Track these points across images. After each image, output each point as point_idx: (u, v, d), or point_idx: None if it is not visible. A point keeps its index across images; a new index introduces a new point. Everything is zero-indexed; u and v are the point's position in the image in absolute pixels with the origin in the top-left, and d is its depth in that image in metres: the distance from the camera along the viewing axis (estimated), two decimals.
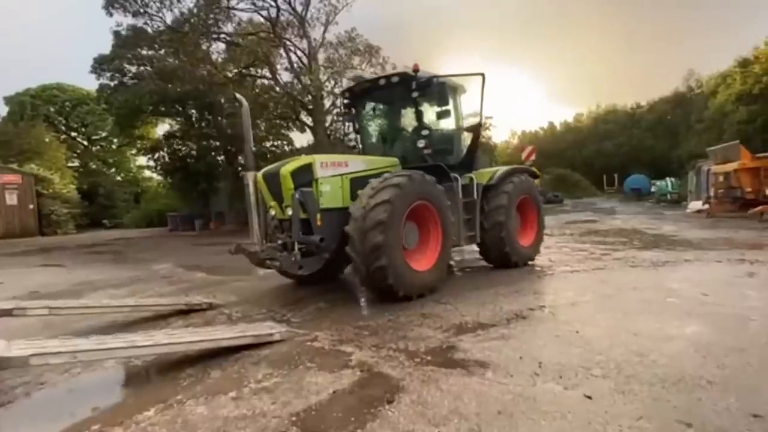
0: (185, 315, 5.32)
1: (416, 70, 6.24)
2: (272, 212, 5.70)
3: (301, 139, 23.04)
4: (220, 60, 16.69)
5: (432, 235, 5.87)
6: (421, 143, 6.35)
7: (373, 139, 7.37)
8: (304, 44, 16.39)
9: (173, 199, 28.15)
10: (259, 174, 5.56)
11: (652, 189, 32.88)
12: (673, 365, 3.11)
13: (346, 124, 19.14)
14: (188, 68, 14.74)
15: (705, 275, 6.09)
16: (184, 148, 23.04)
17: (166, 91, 17.33)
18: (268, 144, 21.49)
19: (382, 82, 6.46)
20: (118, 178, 38.09)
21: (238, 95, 5.64)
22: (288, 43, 16.05)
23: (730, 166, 16.32)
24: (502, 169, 7.38)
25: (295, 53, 16.51)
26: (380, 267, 4.96)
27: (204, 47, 16.01)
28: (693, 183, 24.97)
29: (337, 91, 16.74)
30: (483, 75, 6.66)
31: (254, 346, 3.91)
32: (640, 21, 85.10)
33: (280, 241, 5.45)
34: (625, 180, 39.54)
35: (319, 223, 5.21)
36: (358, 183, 5.65)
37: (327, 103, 17.68)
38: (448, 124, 6.97)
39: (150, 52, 19.68)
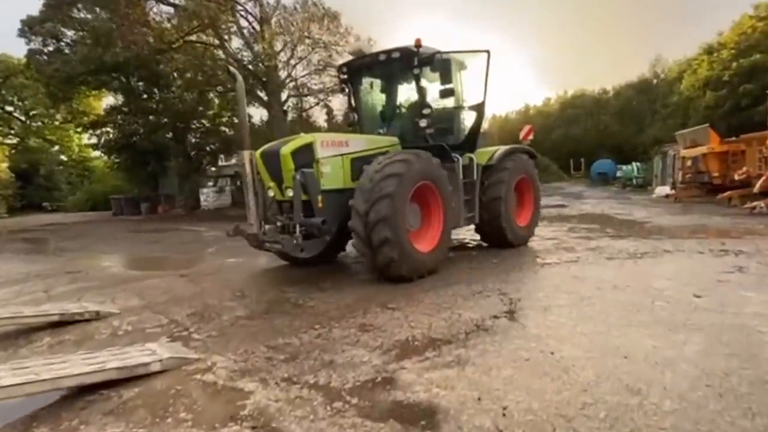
0: (59, 328, 4.14)
1: (418, 45, 5.95)
2: (271, 193, 5.49)
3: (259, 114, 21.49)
4: (169, 25, 14.91)
5: (434, 216, 5.75)
6: (423, 122, 6.12)
7: (371, 117, 7.07)
8: (257, 9, 14.81)
9: (123, 180, 26.07)
10: (257, 153, 5.35)
11: (618, 174, 33.02)
12: (685, 412, 2.25)
13: (303, 99, 18.10)
14: (123, 31, 13.00)
15: (690, 270, 5.37)
16: (130, 125, 21.03)
17: (101, 58, 15.41)
18: (224, 119, 19.79)
19: (383, 57, 6.20)
20: (63, 157, 35.20)
21: (232, 69, 5.74)
22: (238, 6, 14.47)
23: (699, 150, 16.01)
24: (501, 149, 7.16)
25: (246, 18, 14.97)
26: (384, 239, 4.85)
27: (144, 8, 14.18)
28: (659, 168, 24.99)
29: (293, 62, 15.49)
30: (488, 52, 6.36)
31: (123, 380, 2.84)
32: (608, 6, 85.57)
33: (279, 223, 5.32)
34: (591, 165, 39.69)
35: (320, 204, 5.10)
36: (358, 163, 5.53)
37: (283, 74, 16.28)
38: (449, 102, 6.58)
39: (86, 15, 17.52)
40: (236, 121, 20.28)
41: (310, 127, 18.99)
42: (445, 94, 6.04)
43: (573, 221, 10.96)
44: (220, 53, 16.23)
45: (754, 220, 9.69)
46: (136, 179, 22.86)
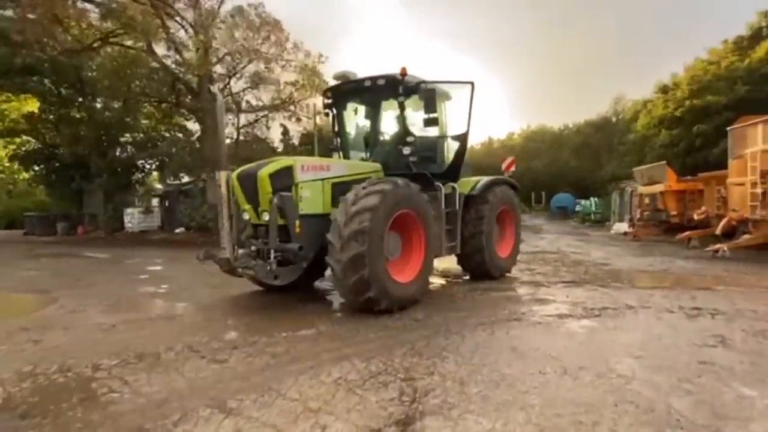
0: None
1: (403, 74, 5.93)
2: (246, 216, 5.30)
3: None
4: (84, 24, 13.15)
5: (415, 245, 5.62)
6: (406, 150, 6.08)
7: (354, 142, 7.05)
8: (193, 15, 13.31)
9: (49, 197, 23.44)
10: (233, 174, 5.20)
11: (577, 208, 33.01)
12: None
13: (239, 115, 16.58)
14: (24, 27, 11.23)
15: (661, 341, 4.11)
16: (51, 135, 18.79)
17: (9, 59, 13.45)
18: (162, 132, 17.87)
19: (368, 83, 6.17)
20: None
21: (212, 87, 6.39)
22: (171, 9, 12.92)
23: (656, 188, 15.50)
24: (484, 180, 7.17)
25: (181, 24, 13.37)
26: (361, 278, 4.70)
27: (57, 4, 12.42)
28: (617, 204, 24.77)
29: (225, 73, 14.05)
30: (472, 84, 6.39)
31: None
32: (571, 47, 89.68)
33: (253, 248, 5.13)
34: (551, 198, 39.76)
35: (297, 230, 4.99)
36: (339, 188, 5.39)
37: (219, 86, 14.73)
38: (433, 131, 6.49)
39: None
40: (172, 136, 18.56)
41: (258, 148, 17.41)
42: (429, 123, 5.93)
43: (525, 261, 9.77)
44: (155, 63, 14.57)
45: (718, 266, 8.79)
46: (58, 196, 20.40)
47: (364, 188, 5.04)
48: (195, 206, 15.16)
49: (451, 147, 6.85)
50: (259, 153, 17.06)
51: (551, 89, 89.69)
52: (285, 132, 34.06)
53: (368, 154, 6.82)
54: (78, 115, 17.59)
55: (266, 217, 4.96)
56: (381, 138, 6.99)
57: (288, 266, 5.06)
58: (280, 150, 23.74)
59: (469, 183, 6.97)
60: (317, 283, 6.84)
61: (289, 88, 15.04)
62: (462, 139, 6.71)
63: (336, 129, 6.97)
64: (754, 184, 9.79)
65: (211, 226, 14.89)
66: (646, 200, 16.50)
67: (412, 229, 5.54)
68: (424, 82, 6.11)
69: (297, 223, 4.98)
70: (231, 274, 5.40)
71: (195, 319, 5.07)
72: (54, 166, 19.09)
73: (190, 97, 14.52)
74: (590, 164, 46.62)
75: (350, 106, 6.95)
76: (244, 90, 15.24)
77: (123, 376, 3.37)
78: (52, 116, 17.84)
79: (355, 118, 7.11)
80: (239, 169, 5.41)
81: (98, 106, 16.81)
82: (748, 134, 10.60)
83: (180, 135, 17.79)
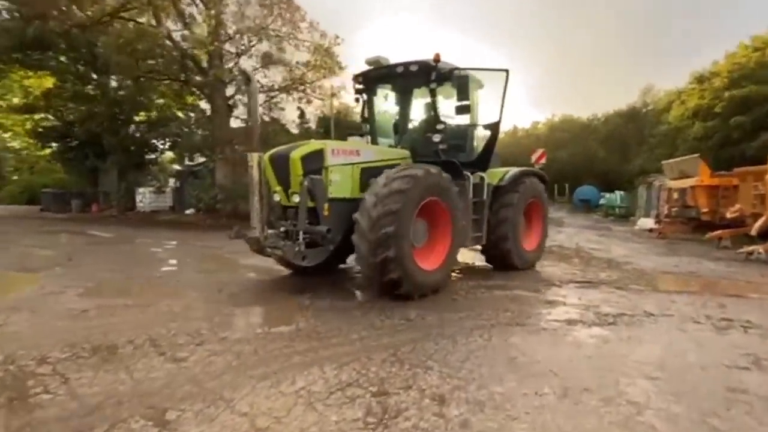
0: None
1: (437, 60, 5.88)
2: (276, 197, 5.40)
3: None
4: None
5: (441, 233, 5.60)
6: (436, 138, 6.04)
7: (383, 129, 7.05)
8: None
9: (68, 174, 23.73)
10: (266, 156, 5.28)
11: (601, 201, 31.80)
12: None
13: (243, 96, 16.13)
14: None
15: (683, 359, 3.56)
16: (67, 112, 18.83)
17: (21, 31, 13.35)
18: (168, 112, 17.66)
19: (400, 69, 6.13)
20: (15, 144, 32.55)
21: (245, 69, 5.90)
22: None
23: (687, 182, 14.51)
24: (512, 171, 7.07)
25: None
26: (386, 259, 4.72)
27: None
28: (643, 199, 23.64)
29: (236, 51, 13.62)
30: (507, 71, 6.27)
31: None
32: (603, 36, 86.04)
33: (282, 229, 5.21)
34: (575, 191, 38.42)
35: (326, 213, 4.99)
36: (368, 173, 5.41)
37: (229, 64, 14.34)
38: (463, 119, 6.37)
39: None
40: (184, 115, 18.37)
41: (271, 131, 17.06)
42: (461, 110, 5.83)
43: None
44: (167, 42, 14.24)
45: (752, 269, 8.05)
46: (75, 173, 20.58)
47: (396, 172, 5.05)
48: (204, 187, 14.97)
49: (481, 136, 6.77)
50: (272, 136, 16.77)
51: (575, 79, 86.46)
52: (302, 114, 33.72)
53: (398, 141, 6.84)
54: (92, 92, 17.50)
55: (296, 198, 4.97)
56: (410, 125, 6.99)
57: (316, 248, 5.08)
58: (296, 133, 23.39)
59: (497, 173, 6.88)
60: (342, 266, 6.89)
61: (302, 68, 14.58)
62: (493, 128, 6.59)
63: (365, 115, 6.91)
64: None
65: (219, 208, 14.72)
66: (675, 195, 15.50)
67: (439, 218, 5.52)
68: (457, 68, 5.97)
69: (326, 206, 4.99)
70: (259, 253, 5.43)
71: (172, 308, 4.73)
72: (69, 143, 19.15)
73: (199, 75, 14.20)
74: (618, 156, 44.84)
75: (380, 91, 6.96)
76: (254, 69, 14.82)
77: (67, 373, 3.04)
78: (66, 93, 17.80)
79: (385, 104, 7.15)
80: (271, 151, 5.42)
81: (113, 84, 16.64)
82: None
83: (191, 114, 17.54)
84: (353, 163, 5.44)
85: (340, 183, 5.28)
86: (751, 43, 20.66)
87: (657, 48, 73.02)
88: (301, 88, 14.95)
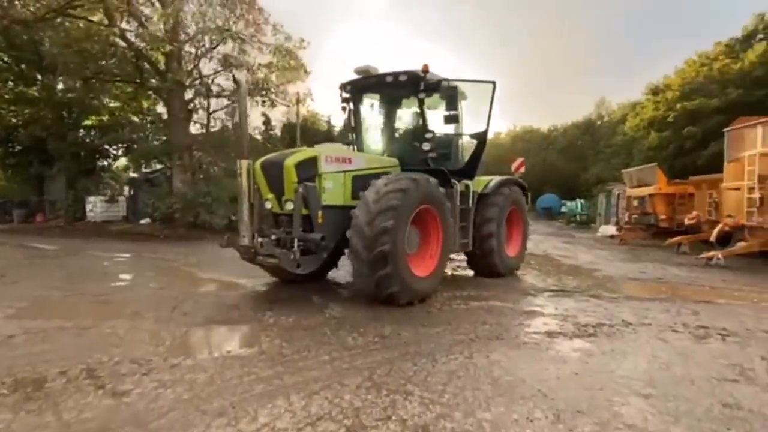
0: None
1: (425, 71, 6.01)
2: (268, 205, 5.31)
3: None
4: None
5: (432, 240, 5.69)
6: (426, 146, 6.17)
7: (370, 137, 7.14)
8: None
9: (10, 182, 22.00)
10: (257, 163, 5.29)
11: (563, 209, 32.75)
12: None
13: (202, 99, 15.49)
14: None
15: (671, 372, 3.41)
16: (9, 116, 17.44)
17: None
18: (121, 115, 16.58)
19: (390, 78, 6.18)
20: None
21: (236, 75, 5.85)
22: None
23: (646, 191, 15.04)
24: (495, 179, 7.26)
25: None
26: (386, 275, 4.80)
27: None
28: (603, 206, 24.42)
29: (195, 51, 13.01)
30: (494, 83, 6.47)
31: None
32: (564, 50, 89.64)
33: (273, 237, 5.17)
34: (537, 199, 39.43)
35: (320, 220, 5.02)
36: (359, 181, 5.47)
37: (189, 68, 13.66)
38: (449, 129, 6.45)
39: None
40: (139, 120, 17.42)
41: (232, 136, 16.39)
42: (449, 120, 5.98)
43: None
44: (119, 41, 13.39)
45: (714, 275, 8.23)
46: (17, 180, 19.06)
47: (385, 185, 5.01)
48: (160, 196, 14.12)
49: (468, 145, 6.92)
50: (234, 142, 16.10)
51: (535, 89, 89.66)
52: (267, 121, 32.94)
53: (384, 149, 6.92)
54: (37, 94, 16.27)
55: (290, 206, 4.98)
56: (397, 133, 7.06)
57: (309, 255, 5.06)
58: (259, 139, 22.76)
59: (482, 182, 7.03)
60: (330, 274, 6.89)
61: (264, 70, 14.09)
62: (480, 137, 6.74)
63: (352, 123, 7.00)
64: (751, 189, 9.28)
65: (177, 218, 13.92)
66: (635, 203, 16.03)
67: (430, 225, 5.62)
68: (446, 79, 6.16)
69: (320, 213, 5.01)
70: (251, 262, 5.36)
71: (117, 330, 4.20)
72: (11, 149, 17.73)
73: (156, 78, 13.42)
74: (576, 165, 46.50)
75: (368, 100, 7.06)
76: (215, 72, 14.23)
77: None
78: (7, 95, 16.46)
79: (372, 113, 7.21)
80: (263, 158, 5.41)
81: (60, 86, 15.51)
82: (746, 136, 10.07)
83: (148, 119, 16.59)
84: (345, 171, 5.48)
85: (333, 190, 5.30)
86: (698, 59, 21.85)
87: (612, 63, 76.79)
88: (264, 92, 14.43)
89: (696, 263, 9.66)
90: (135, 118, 16.90)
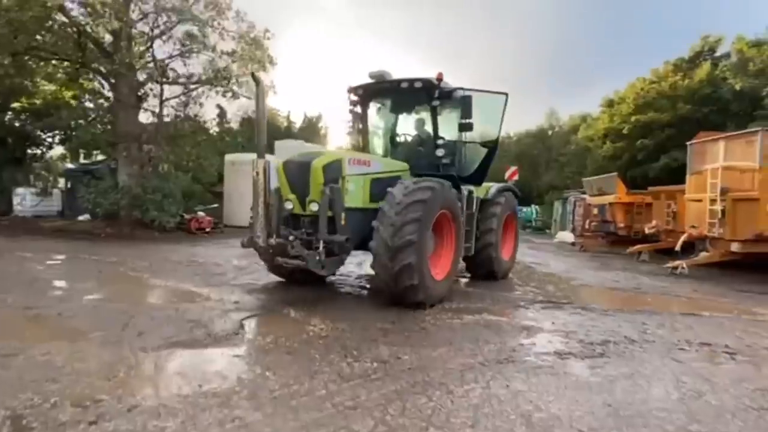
0: None
1: (440, 79, 6.16)
2: (289, 205, 5.27)
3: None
4: None
5: (447, 245, 5.86)
6: (439, 152, 6.37)
7: (379, 141, 7.33)
8: None
9: None
10: (279, 163, 5.39)
11: (519, 215, 33.54)
12: None
13: (163, 87, 14.29)
14: None
15: (705, 402, 3.13)
16: None
17: None
18: (59, 99, 14.84)
19: (405, 85, 6.28)
20: None
21: (254, 74, 5.54)
22: None
23: (606, 199, 15.45)
24: (495, 186, 7.59)
25: None
26: (408, 265, 4.87)
27: None
28: (558, 213, 25.13)
29: (150, 33, 11.82)
30: (506, 95, 6.88)
31: None
32: (518, 61, 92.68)
33: (291, 238, 5.00)
34: None
35: (343, 222, 5.01)
36: (376, 184, 5.57)
37: (140, 48, 12.40)
38: (459, 136, 6.67)
39: None
40: (78, 104, 15.74)
41: (187, 128, 15.18)
42: (464, 127, 6.23)
43: None
44: (60, 16, 11.89)
45: (683, 285, 8.36)
46: None
47: (405, 196, 5.09)
48: (103, 190, 12.73)
49: (477, 152, 7.07)
50: (190, 134, 14.93)
51: None
52: (221, 114, 31.30)
53: (392, 154, 7.12)
54: None
55: (314, 207, 5.02)
56: (406, 138, 7.24)
57: (332, 257, 5.08)
58: (213, 132, 21.42)
59: (482, 188, 7.26)
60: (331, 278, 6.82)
61: (226, 59, 13.08)
62: (492, 145, 7.06)
63: (360, 127, 7.14)
64: (713, 201, 9.57)
65: (122, 215, 12.61)
66: (595, 211, 16.46)
67: (445, 230, 5.81)
68: (460, 88, 6.40)
69: (343, 215, 5.01)
70: (269, 262, 5.43)
71: (53, 358, 3.38)
72: None
73: (102, 58, 12.04)
74: (529, 173, 47.99)
75: (377, 105, 7.27)
76: (171, 57, 13.02)
77: None
78: None
79: (381, 117, 7.41)
80: (286, 159, 5.45)
81: None
82: (708, 150, 10.45)
83: (89, 104, 14.97)
84: (365, 174, 5.53)
85: (354, 193, 5.34)
86: (650, 76, 22.99)
87: (563, 76, 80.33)
88: (224, 82, 13.42)
89: (661, 272, 9.86)
90: (74, 103, 15.17)
